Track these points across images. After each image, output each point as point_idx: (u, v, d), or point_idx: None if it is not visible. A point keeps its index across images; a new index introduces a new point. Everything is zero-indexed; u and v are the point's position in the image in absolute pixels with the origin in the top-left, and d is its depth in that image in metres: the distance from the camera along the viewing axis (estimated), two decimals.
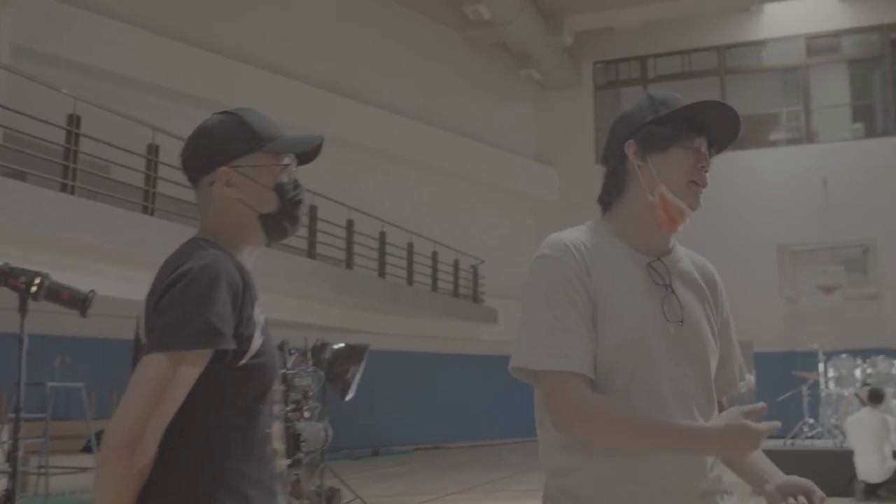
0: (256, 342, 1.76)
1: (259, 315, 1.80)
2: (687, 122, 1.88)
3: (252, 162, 1.87)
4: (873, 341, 17.11)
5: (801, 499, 1.74)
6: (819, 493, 1.77)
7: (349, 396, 9.32)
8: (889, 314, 19.08)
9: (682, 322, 1.86)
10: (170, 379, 1.62)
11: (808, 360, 13.35)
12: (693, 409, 1.83)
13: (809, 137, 21.58)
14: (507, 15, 19.88)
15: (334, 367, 9.21)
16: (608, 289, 1.82)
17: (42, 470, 9.21)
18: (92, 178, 10.68)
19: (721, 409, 1.97)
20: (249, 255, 1.92)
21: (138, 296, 1.81)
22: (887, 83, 21.35)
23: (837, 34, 21.81)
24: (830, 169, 20.18)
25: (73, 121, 9.98)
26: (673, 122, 1.88)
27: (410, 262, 17.72)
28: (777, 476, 1.86)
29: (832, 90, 22.03)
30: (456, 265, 19.40)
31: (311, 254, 14.30)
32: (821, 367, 12.80)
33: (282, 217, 1.90)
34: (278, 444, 1.87)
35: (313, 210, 14.43)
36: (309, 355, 9.01)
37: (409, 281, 17.55)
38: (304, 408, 8.25)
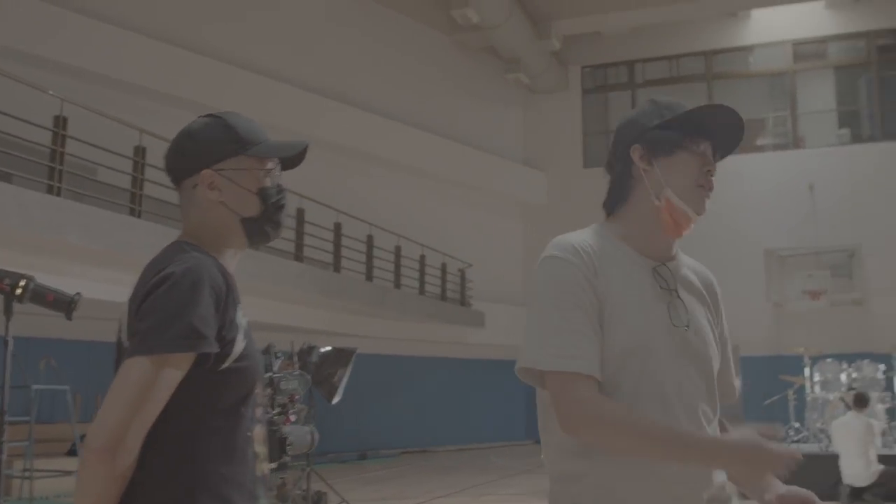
0: (239, 346, 1.76)
1: (242, 318, 1.80)
2: (692, 126, 1.89)
3: (235, 165, 1.87)
4: (859, 346, 17.17)
5: None
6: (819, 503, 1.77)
7: (336, 400, 9.31)
8: (874, 319, 19.16)
9: (687, 327, 1.86)
10: (152, 382, 1.62)
11: (795, 364, 13.40)
12: (699, 414, 1.83)
13: (796, 143, 21.68)
14: (496, 19, 19.91)
15: (321, 370, 9.20)
16: (615, 291, 1.82)
17: (26, 473, 9.16)
18: (78, 180, 10.65)
19: (722, 428, 1.97)
20: (232, 259, 1.92)
21: (125, 298, 1.80)
22: (873, 89, 21.47)
23: (824, 40, 21.93)
24: (817, 174, 20.29)
25: (60, 122, 9.95)
26: (678, 127, 1.89)
27: (398, 266, 17.71)
28: (777, 486, 1.86)
29: (818, 96, 22.14)
30: (443, 269, 19.40)
31: (299, 257, 14.28)
32: (807, 371, 12.86)
33: (264, 221, 1.90)
34: (260, 448, 1.87)
35: (301, 213, 14.41)
36: (295, 359, 9.00)
37: (397, 284, 17.54)
38: (291, 411, 8.23)
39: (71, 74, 13.09)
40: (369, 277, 16.56)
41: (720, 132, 1.91)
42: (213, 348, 1.68)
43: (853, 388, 11.63)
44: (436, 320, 18.28)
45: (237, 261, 1.94)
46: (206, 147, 1.87)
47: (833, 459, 9.95)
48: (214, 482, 1.71)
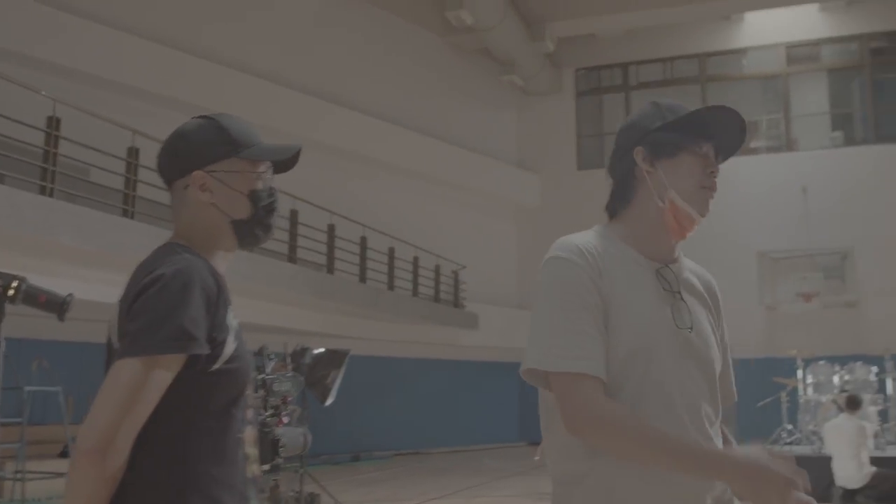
0: (230, 347, 1.75)
1: (233, 320, 1.80)
2: (694, 128, 1.89)
3: (227, 167, 1.87)
4: (851, 348, 17.22)
5: None
6: None
7: (329, 401, 9.30)
8: (867, 321, 19.22)
9: (690, 329, 1.86)
10: (142, 383, 1.61)
11: (787, 366, 13.44)
12: (701, 415, 1.83)
13: (789, 145, 21.73)
14: (490, 21, 19.91)
15: (314, 372, 9.19)
16: (620, 292, 1.82)
17: (18, 475, 9.14)
18: (71, 180, 10.62)
19: (725, 440, 1.96)
20: (223, 260, 1.91)
21: (117, 300, 1.80)
22: (866, 92, 21.53)
23: (817, 43, 21.99)
24: (810, 177, 20.34)
25: (53, 123, 9.92)
26: (681, 129, 1.89)
27: (391, 267, 17.70)
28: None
29: (812, 98, 22.20)
30: (437, 270, 19.39)
31: (292, 258, 14.27)
32: (799, 373, 12.89)
33: (254, 224, 1.90)
34: (251, 449, 1.87)
35: (294, 214, 14.40)
36: (289, 360, 8.99)
37: (390, 286, 17.53)
38: (283, 413, 8.23)
39: (64, 75, 13.06)
40: (363, 279, 16.55)
41: (722, 134, 1.92)
42: (204, 350, 1.68)
43: (846, 391, 11.66)
44: (429, 322, 18.27)
45: (228, 262, 1.93)
46: (198, 148, 1.87)
47: (825, 461, 9.97)
48: (205, 483, 1.71)
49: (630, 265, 1.87)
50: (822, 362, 13.08)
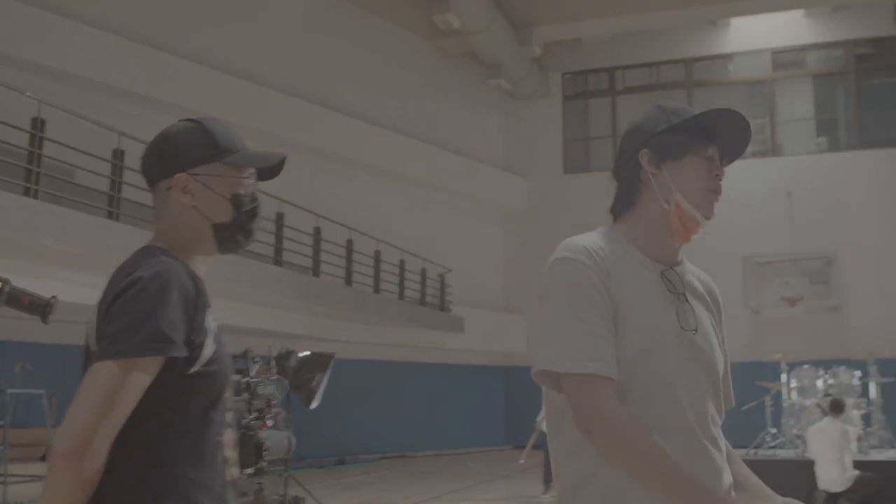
0: (208, 350, 1.75)
1: (211, 323, 1.79)
2: (700, 131, 1.90)
3: (211, 171, 1.87)
4: (835, 352, 17.30)
5: None
6: None
7: (314, 405, 9.27)
8: (850, 326, 19.32)
9: (695, 331, 1.87)
10: (119, 386, 1.61)
11: (772, 370, 13.47)
12: (707, 418, 1.83)
13: (775, 150, 21.83)
14: (477, 25, 19.94)
15: (300, 375, 9.16)
16: (627, 293, 1.82)
17: (0, 478, 9.07)
18: (56, 182, 10.57)
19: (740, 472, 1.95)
20: (202, 263, 1.91)
21: (96, 302, 1.79)
22: (851, 98, 21.66)
23: (803, 49, 22.11)
24: (795, 182, 20.43)
25: (38, 124, 9.87)
26: (686, 131, 1.90)
27: (377, 270, 17.69)
28: (773, 497, 1.86)
29: (797, 104, 22.32)
30: (423, 274, 19.38)
31: (278, 261, 14.24)
32: (784, 377, 12.92)
33: (235, 228, 1.89)
34: (230, 452, 1.86)
35: (280, 217, 14.38)
36: (273, 363, 8.95)
37: (376, 289, 17.51)
38: (267, 416, 8.20)
39: (50, 76, 13.00)
40: (349, 282, 16.53)
41: (727, 137, 1.93)
42: (181, 352, 1.68)
43: (829, 395, 11.71)
44: (415, 325, 18.27)
45: (208, 266, 1.93)
46: (183, 151, 1.87)
47: (809, 465, 10.01)
48: (183, 486, 1.70)
49: (636, 267, 1.87)
50: (806, 366, 13.12)
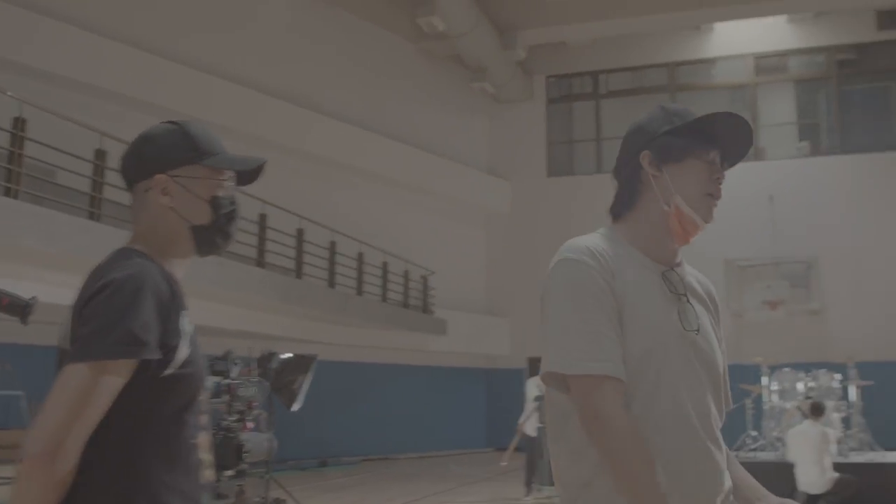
0: (183, 352, 1.75)
1: (187, 325, 1.79)
2: (701, 133, 1.91)
3: (190, 173, 1.87)
4: (816, 355, 17.41)
5: None
6: None
7: (296, 407, 9.24)
8: (831, 329, 19.45)
9: (697, 331, 1.88)
10: (92, 388, 1.60)
11: (752, 373, 13.52)
12: (710, 418, 1.84)
13: (757, 154, 21.92)
14: (462, 27, 19.94)
15: (281, 377, 9.13)
16: (630, 293, 1.82)
17: None
18: (37, 182, 10.50)
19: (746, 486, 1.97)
20: (179, 265, 1.91)
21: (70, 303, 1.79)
22: (832, 103, 21.80)
23: (785, 54, 22.25)
24: (776, 186, 20.54)
25: (19, 124, 9.81)
26: (688, 134, 1.90)
27: (360, 272, 17.67)
28: (769, 498, 1.88)
29: (779, 108, 22.45)
30: (406, 276, 19.38)
31: (261, 262, 14.20)
32: (764, 380, 12.97)
33: (214, 231, 1.90)
34: (205, 455, 1.85)
35: (263, 218, 14.34)
36: (254, 365, 8.93)
37: (359, 291, 17.49)
38: (248, 418, 8.18)
39: (35, 77, 12.91)
40: (331, 284, 16.51)
41: (728, 140, 1.94)
42: (154, 355, 1.67)
43: (810, 398, 11.77)
44: (398, 327, 18.26)
45: (186, 268, 1.93)
46: (163, 152, 1.87)
47: (789, 467, 10.06)
48: (156, 489, 1.70)
49: (638, 267, 1.88)
50: (786, 369, 13.19)
